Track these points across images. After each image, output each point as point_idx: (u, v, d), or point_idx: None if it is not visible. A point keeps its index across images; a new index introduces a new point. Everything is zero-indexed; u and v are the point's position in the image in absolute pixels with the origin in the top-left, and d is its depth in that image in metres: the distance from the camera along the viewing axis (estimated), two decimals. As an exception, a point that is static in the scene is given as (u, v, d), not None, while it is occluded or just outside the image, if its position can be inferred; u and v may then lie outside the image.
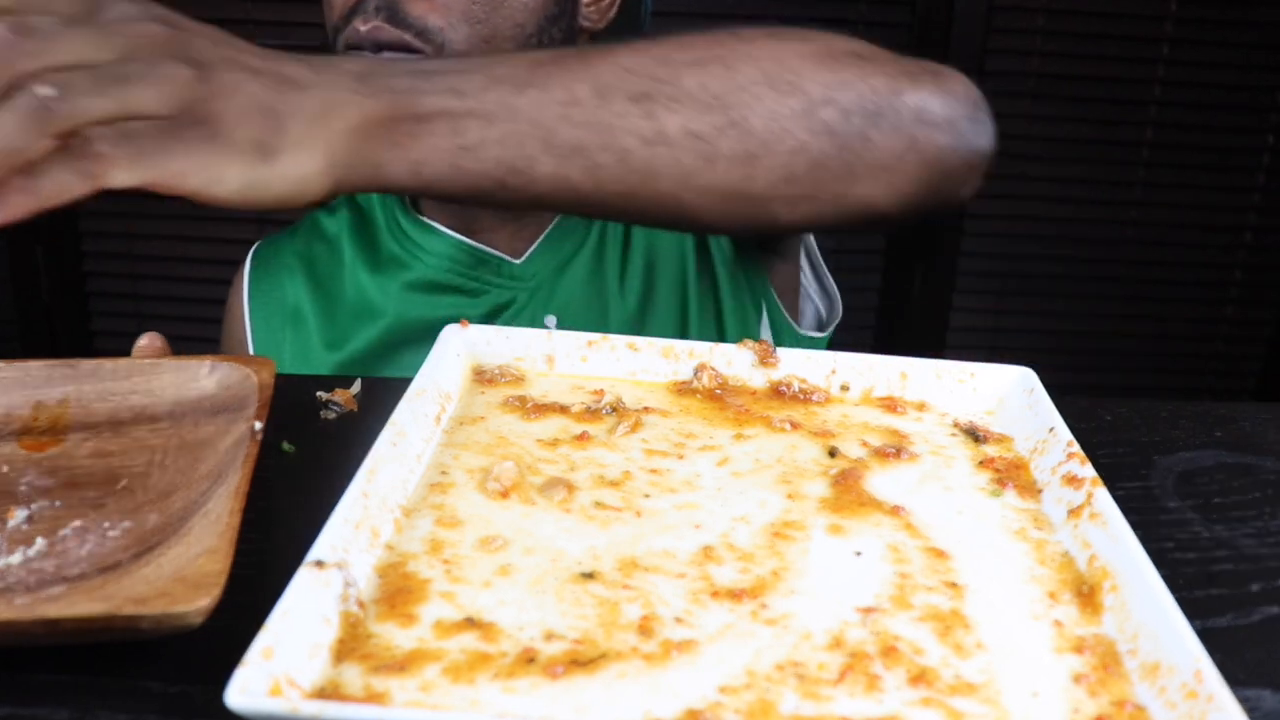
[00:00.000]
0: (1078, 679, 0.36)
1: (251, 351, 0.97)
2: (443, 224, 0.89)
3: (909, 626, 0.38)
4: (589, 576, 0.40)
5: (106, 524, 0.44)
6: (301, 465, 0.52)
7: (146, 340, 0.59)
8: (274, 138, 0.48)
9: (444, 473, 0.46)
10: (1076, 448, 0.47)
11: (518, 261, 0.88)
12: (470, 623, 0.37)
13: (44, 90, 0.42)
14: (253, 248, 1.01)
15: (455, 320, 0.56)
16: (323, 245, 0.97)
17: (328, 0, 0.80)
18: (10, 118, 0.42)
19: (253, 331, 0.96)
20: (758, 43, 0.61)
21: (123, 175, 0.45)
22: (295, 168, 0.49)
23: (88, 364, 0.53)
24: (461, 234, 0.88)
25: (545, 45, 0.82)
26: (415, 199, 0.92)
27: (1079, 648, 0.37)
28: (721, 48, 0.60)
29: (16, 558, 0.42)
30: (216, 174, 0.47)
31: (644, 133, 0.56)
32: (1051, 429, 0.50)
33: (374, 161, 0.52)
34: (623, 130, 0.56)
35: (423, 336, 0.87)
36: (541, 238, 0.89)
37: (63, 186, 0.44)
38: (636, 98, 0.56)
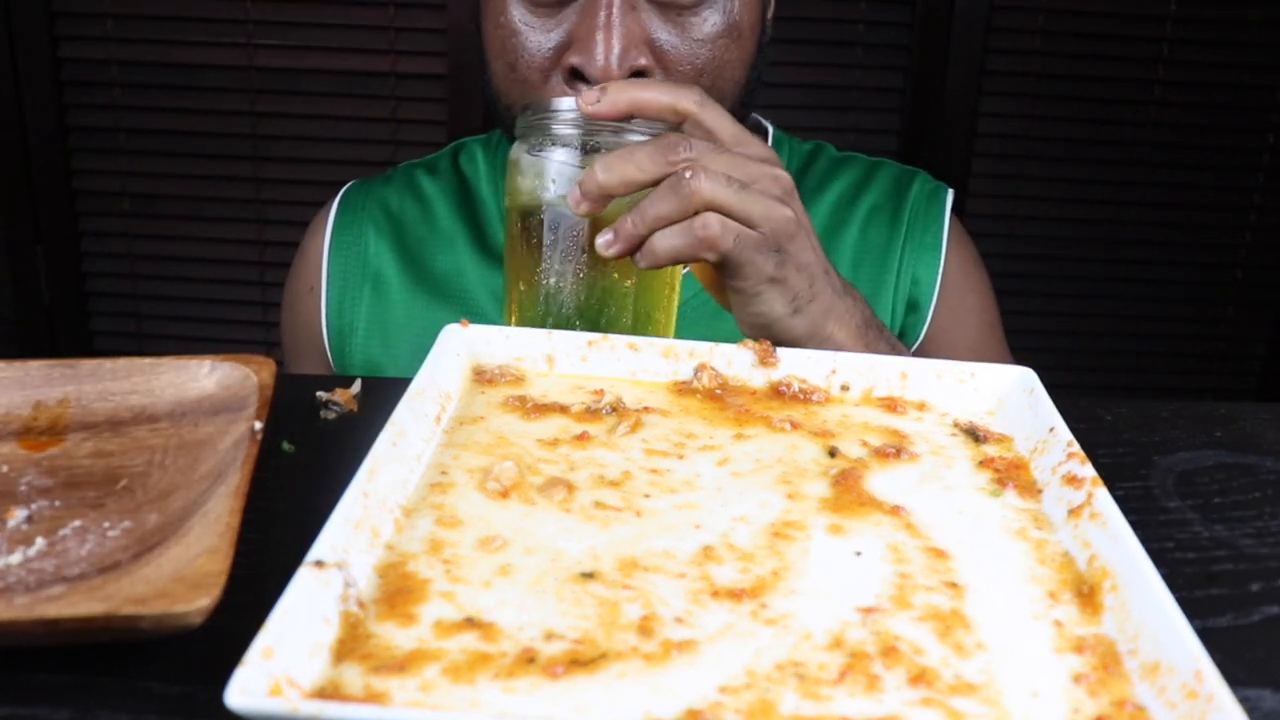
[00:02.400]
0: (1078, 679, 0.36)
1: (324, 300, 0.93)
2: None
3: (909, 626, 0.38)
4: (589, 576, 0.40)
5: (106, 524, 0.44)
6: (301, 465, 0.52)
7: None
8: (804, 298, 0.65)
9: (444, 473, 0.46)
10: (1076, 448, 0.47)
11: None
12: (470, 623, 0.37)
13: (688, 175, 0.59)
14: (343, 188, 0.98)
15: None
16: (415, 205, 0.95)
17: (521, 65, 0.78)
18: (667, 191, 0.59)
19: (329, 280, 0.93)
20: None
21: (715, 254, 0.61)
22: (802, 325, 0.66)
23: (88, 364, 0.53)
24: None
25: (750, 88, 0.86)
26: None
27: (1079, 648, 0.37)
28: None
29: (16, 558, 0.42)
30: (763, 290, 0.64)
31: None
32: (1052, 429, 0.50)
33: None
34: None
35: None
36: None
37: (676, 247, 0.60)
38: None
